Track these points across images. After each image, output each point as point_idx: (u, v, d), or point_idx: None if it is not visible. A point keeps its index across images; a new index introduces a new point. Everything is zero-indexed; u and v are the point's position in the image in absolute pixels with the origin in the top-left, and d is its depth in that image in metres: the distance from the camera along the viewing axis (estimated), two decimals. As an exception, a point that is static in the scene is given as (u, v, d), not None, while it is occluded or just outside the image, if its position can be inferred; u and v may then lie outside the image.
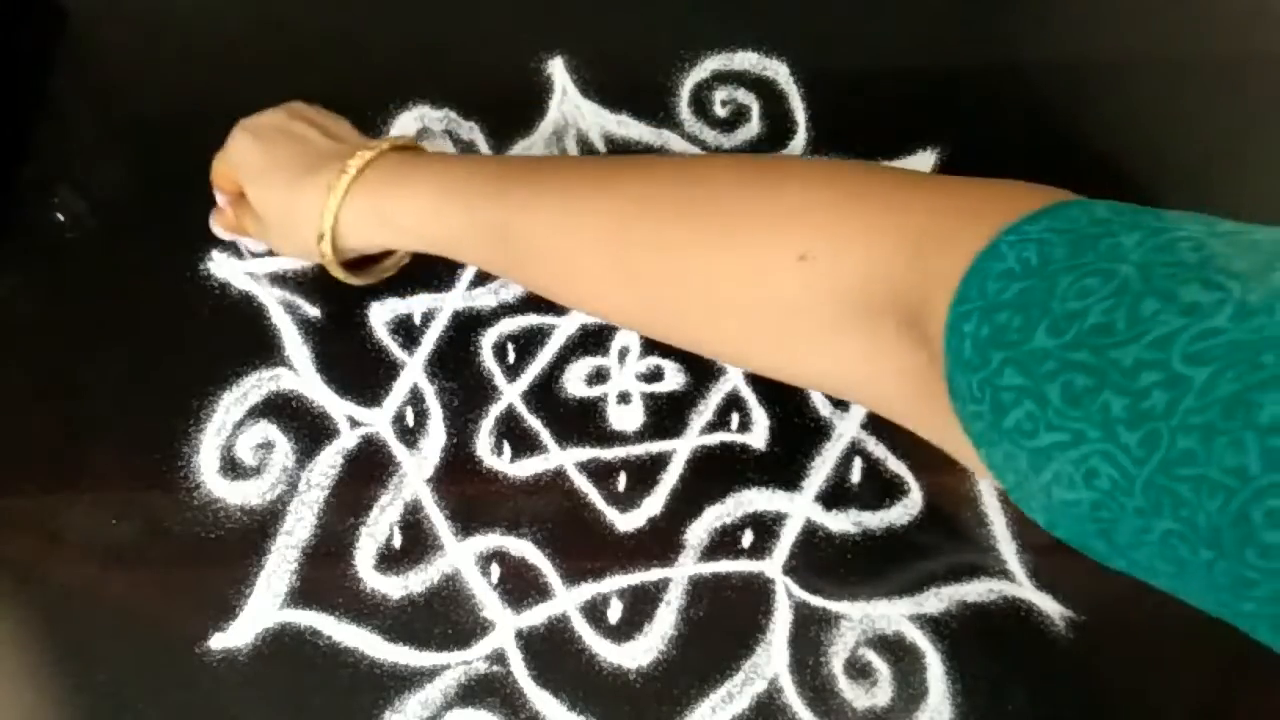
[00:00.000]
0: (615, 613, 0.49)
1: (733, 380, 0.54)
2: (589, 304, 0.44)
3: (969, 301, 0.27)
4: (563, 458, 0.52)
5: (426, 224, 0.44)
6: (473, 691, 0.48)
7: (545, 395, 0.54)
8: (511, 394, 0.54)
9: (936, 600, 0.49)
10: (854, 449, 0.52)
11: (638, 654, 0.48)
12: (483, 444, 0.53)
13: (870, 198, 0.34)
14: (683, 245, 0.37)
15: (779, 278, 0.34)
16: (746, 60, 0.62)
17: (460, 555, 0.50)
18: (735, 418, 0.53)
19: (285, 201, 0.46)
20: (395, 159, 0.45)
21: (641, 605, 0.49)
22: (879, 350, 0.32)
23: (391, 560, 0.50)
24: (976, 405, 0.27)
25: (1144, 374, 0.23)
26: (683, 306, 0.38)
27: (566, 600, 0.49)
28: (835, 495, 0.51)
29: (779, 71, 0.62)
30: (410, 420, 0.53)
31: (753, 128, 0.60)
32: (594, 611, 0.49)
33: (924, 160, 0.59)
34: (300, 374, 0.54)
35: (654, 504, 0.51)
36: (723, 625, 0.49)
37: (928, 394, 0.30)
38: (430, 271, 0.56)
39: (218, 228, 0.54)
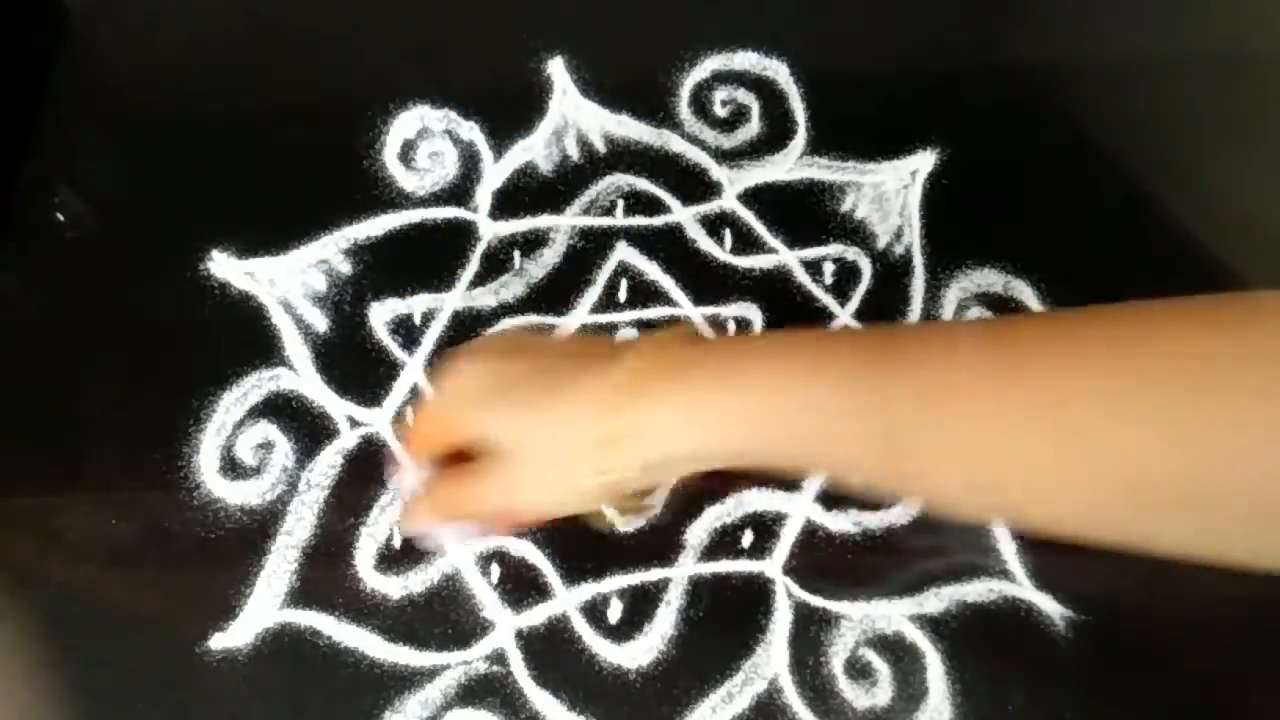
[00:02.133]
0: (615, 613, 0.49)
1: (733, 380, 0.54)
2: (1023, 511, 0.33)
3: None
4: (563, 458, 0.52)
5: (769, 421, 0.32)
6: (473, 691, 0.48)
7: (545, 395, 0.54)
8: (511, 394, 0.54)
9: (936, 600, 0.49)
10: (854, 449, 0.52)
11: (638, 654, 0.48)
12: (483, 444, 0.53)
13: None
14: (1180, 424, 0.27)
15: None
16: (746, 60, 0.62)
17: (460, 555, 0.50)
18: (735, 418, 0.53)
19: (549, 417, 0.33)
20: (692, 343, 0.34)
21: (641, 605, 0.49)
22: None
23: (391, 560, 0.50)
24: None
25: None
26: (1195, 501, 0.28)
27: (566, 600, 0.49)
28: (835, 495, 0.51)
29: (779, 71, 0.62)
30: (410, 420, 0.53)
31: (753, 128, 0.60)
32: (594, 611, 0.49)
33: (924, 160, 0.59)
34: (300, 374, 0.54)
35: (654, 504, 0.51)
36: (723, 625, 0.49)
37: None
38: (430, 271, 0.56)
39: (414, 523, 0.39)
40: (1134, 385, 0.28)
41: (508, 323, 0.54)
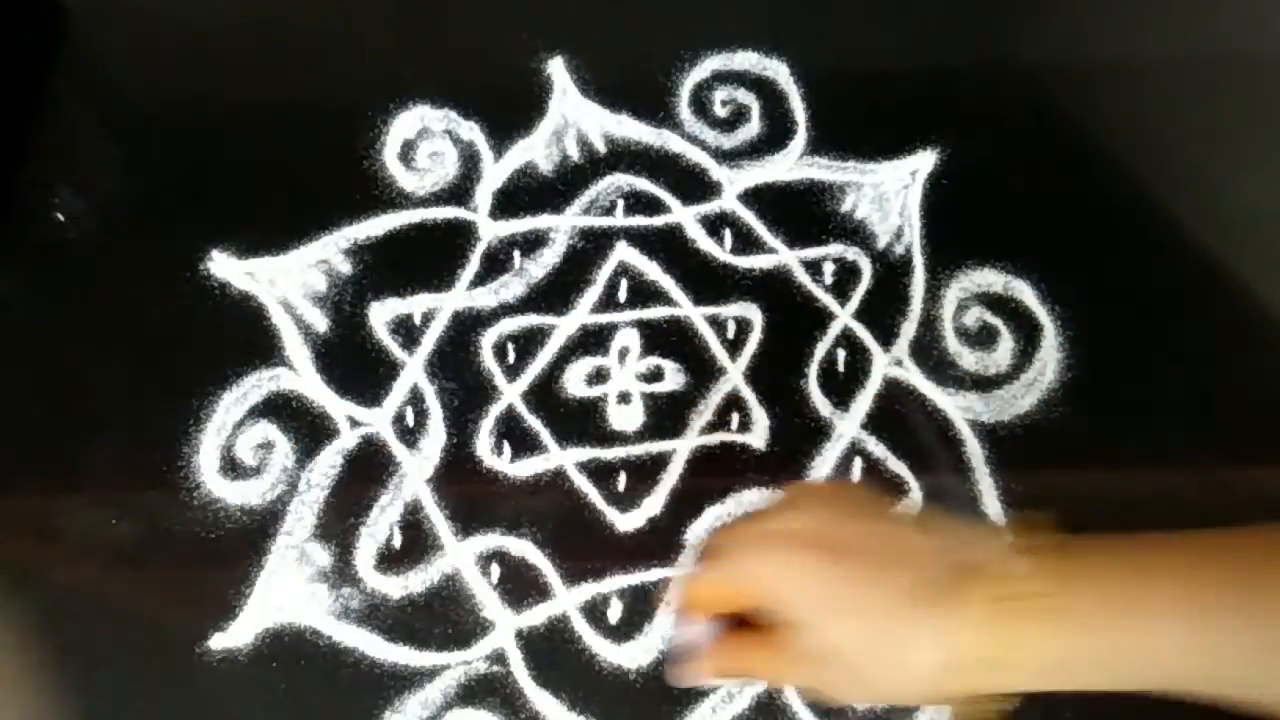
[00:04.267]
0: (615, 613, 0.49)
1: (733, 380, 0.54)
2: None
3: None
4: (563, 458, 0.52)
5: (1163, 653, 0.31)
6: (473, 691, 0.48)
7: (545, 395, 0.54)
8: (511, 394, 0.54)
9: (936, 600, 0.49)
10: (854, 449, 0.52)
11: (638, 654, 0.48)
12: (483, 444, 0.53)
13: None
14: None
15: None
16: (746, 60, 0.62)
17: (460, 555, 0.50)
18: (735, 418, 0.53)
19: (884, 640, 0.32)
20: (1046, 572, 0.32)
21: (641, 605, 0.49)
22: None
23: (391, 560, 0.50)
24: None
25: None
26: None
27: (566, 600, 0.49)
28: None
29: (779, 71, 0.62)
30: (410, 420, 0.53)
31: (753, 128, 0.60)
32: (594, 611, 0.49)
33: (924, 160, 0.59)
34: (300, 374, 0.54)
35: (654, 504, 0.51)
36: (723, 625, 0.49)
37: None
38: (430, 271, 0.56)
39: (701, 674, 0.38)
40: None
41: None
